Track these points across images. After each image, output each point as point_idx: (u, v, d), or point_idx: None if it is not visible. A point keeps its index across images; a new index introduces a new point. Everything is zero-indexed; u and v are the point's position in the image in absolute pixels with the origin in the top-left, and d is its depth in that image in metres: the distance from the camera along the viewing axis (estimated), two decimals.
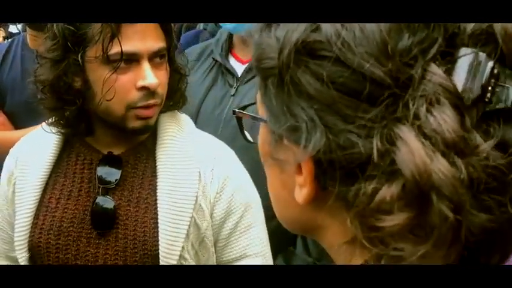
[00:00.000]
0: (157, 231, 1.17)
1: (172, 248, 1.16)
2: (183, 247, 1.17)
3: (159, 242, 1.16)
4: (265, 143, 0.55)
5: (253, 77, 1.71)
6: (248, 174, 1.30)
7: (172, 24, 1.22)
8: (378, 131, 0.45)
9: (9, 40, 2.35)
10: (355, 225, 0.47)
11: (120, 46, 1.10)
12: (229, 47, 1.82)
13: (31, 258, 1.23)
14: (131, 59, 1.13)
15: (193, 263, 1.20)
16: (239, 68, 1.78)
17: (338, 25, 0.47)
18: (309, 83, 0.47)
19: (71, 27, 1.11)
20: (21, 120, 2.07)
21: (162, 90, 1.18)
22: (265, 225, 1.29)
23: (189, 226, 1.18)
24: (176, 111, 1.29)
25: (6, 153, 1.86)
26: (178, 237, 1.17)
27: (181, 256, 1.17)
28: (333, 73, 0.46)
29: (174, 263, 1.17)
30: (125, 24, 1.11)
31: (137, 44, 1.12)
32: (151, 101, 1.15)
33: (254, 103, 0.60)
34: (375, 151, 0.44)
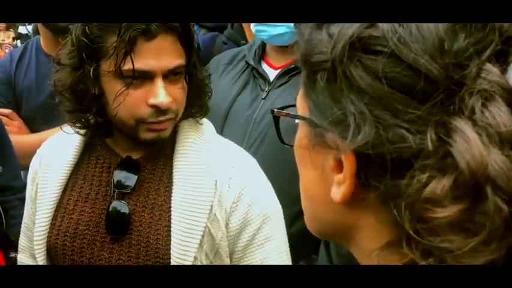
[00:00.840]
0: (170, 240, 1.14)
1: (184, 258, 1.13)
2: (195, 257, 1.14)
3: (171, 251, 1.14)
4: (304, 138, 0.56)
5: (285, 83, 1.71)
6: (269, 184, 1.25)
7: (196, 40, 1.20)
8: (431, 124, 0.45)
9: (22, 45, 2.36)
10: (404, 216, 0.46)
11: (133, 64, 1.08)
12: (262, 54, 1.82)
13: (49, 259, 1.23)
14: (145, 76, 1.11)
15: None
16: (271, 73, 1.77)
17: (395, 23, 0.48)
18: (361, 77, 0.48)
19: (86, 40, 1.11)
20: (36, 124, 2.08)
21: (177, 106, 1.16)
22: (285, 238, 1.25)
23: (203, 236, 1.15)
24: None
25: (23, 156, 1.87)
26: (190, 247, 1.14)
27: None
28: (386, 68, 0.47)
29: None
30: (140, 41, 1.09)
31: (151, 62, 1.10)
32: (162, 118, 1.14)
33: (291, 105, 0.60)
34: (429, 143, 0.45)
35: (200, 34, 2.57)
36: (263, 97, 1.73)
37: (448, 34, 0.46)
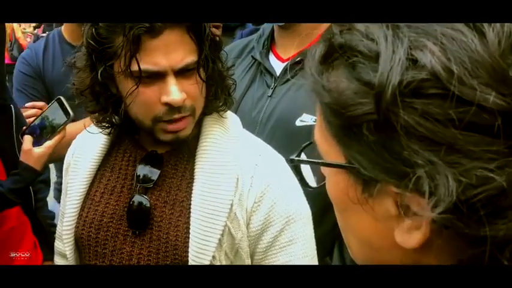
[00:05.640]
0: (189, 237, 1.13)
1: (201, 257, 1.12)
2: (213, 256, 1.12)
3: (189, 249, 1.12)
4: (348, 187, 0.52)
5: (291, 77, 1.64)
6: (297, 185, 1.20)
7: (208, 32, 1.12)
8: None
9: (42, 38, 2.42)
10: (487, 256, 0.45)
11: (138, 65, 1.06)
12: (270, 44, 1.77)
13: (77, 249, 1.25)
14: (156, 74, 1.09)
15: None
16: (278, 67, 1.72)
17: (442, 58, 0.44)
18: (420, 123, 0.44)
19: (93, 43, 1.09)
20: None
21: (192, 102, 1.14)
22: (312, 242, 1.20)
23: (222, 235, 1.13)
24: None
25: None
26: (208, 246, 1.12)
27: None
28: (449, 110, 0.44)
29: None
30: (145, 39, 1.06)
31: (160, 60, 1.07)
32: (176, 116, 1.12)
33: (307, 144, 0.57)
34: None
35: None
36: (269, 94, 1.68)
37: (503, 56, 0.43)
